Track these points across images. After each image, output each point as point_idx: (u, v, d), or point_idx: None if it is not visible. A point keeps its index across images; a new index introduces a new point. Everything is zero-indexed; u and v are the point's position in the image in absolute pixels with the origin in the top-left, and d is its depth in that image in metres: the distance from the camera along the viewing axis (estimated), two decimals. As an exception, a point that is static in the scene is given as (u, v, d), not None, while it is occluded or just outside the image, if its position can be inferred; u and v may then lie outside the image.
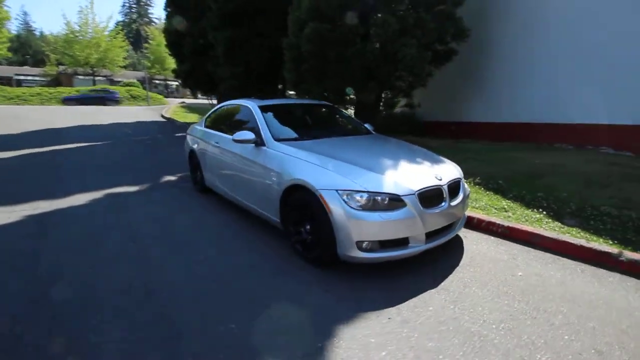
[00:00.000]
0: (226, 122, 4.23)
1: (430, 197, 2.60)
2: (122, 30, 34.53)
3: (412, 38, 6.14)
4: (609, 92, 5.65)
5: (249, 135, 3.34)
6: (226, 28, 9.56)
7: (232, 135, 3.78)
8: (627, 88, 5.43)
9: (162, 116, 17.06)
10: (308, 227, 2.76)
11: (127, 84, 33.32)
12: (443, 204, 2.68)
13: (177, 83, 47.30)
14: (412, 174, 2.71)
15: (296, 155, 2.94)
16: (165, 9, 12.83)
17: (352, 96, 6.78)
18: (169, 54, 14.85)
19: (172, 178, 5.84)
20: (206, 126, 4.77)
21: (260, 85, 10.06)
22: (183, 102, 30.21)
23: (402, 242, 2.50)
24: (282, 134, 3.40)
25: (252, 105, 3.81)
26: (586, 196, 3.87)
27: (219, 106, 4.76)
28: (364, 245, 2.43)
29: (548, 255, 2.90)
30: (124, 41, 33.27)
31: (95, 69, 32.70)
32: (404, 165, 2.84)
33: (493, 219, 3.42)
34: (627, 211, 3.44)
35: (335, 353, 1.81)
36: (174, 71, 13.66)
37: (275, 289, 2.44)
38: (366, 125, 4.26)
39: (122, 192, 4.98)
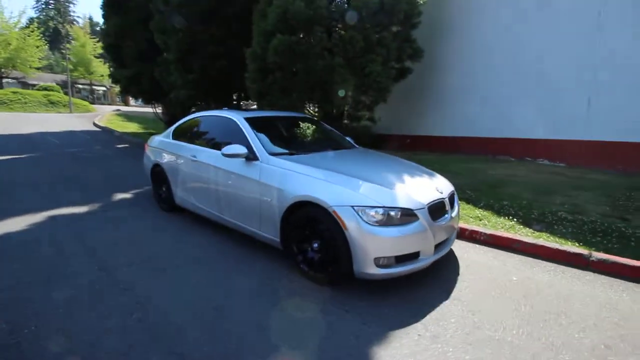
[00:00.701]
0: (203, 135, 3.92)
1: (436, 210, 2.69)
2: (38, 28, 30.48)
3: (377, 55, 6.44)
4: (544, 110, 6.53)
5: (240, 149, 3.12)
6: (177, 32, 9.00)
7: (213, 148, 3.58)
8: (559, 106, 6.33)
9: (96, 125, 15.32)
10: (316, 245, 2.66)
11: (45, 88, 29.34)
12: (446, 215, 2.79)
13: (104, 88, 43.15)
14: (417, 187, 2.78)
15: (298, 170, 2.83)
16: (102, 8, 11.65)
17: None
18: (103, 57, 13.47)
19: (128, 195, 5.22)
20: (174, 138, 4.38)
21: (216, 95, 9.61)
22: (118, 110, 27.55)
23: (414, 256, 2.53)
24: (275, 148, 3.25)
25: (236, 117, 3.59)
26: (543, 203, 4.37)
27: (189, 117, 4.40)
28: (381, 261, 2.40)
29: (530, 259, 3.18)
30: (39, 40, 29.38)
31: (2, 70, 28.26)
32: (406, 179, 2.90)
33: (475, 228, 3.67)
34: (579, 215, 3.95)
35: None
36: (111, 76, 12.38)
37: (289, 315, 2.28)
38: (347, 138, 4.31)
39: (71, 213, 4.30)
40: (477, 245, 3.50)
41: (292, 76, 6.82)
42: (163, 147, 4.44)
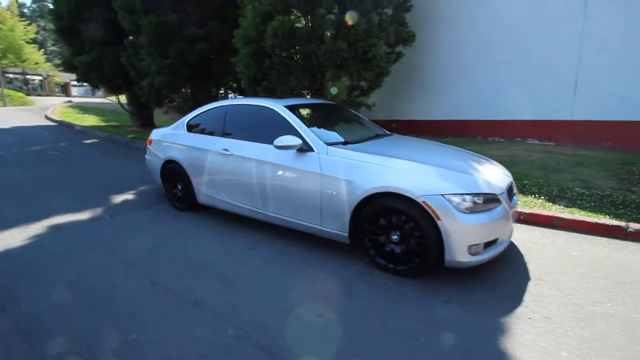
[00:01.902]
0: (234, 127, 3.57)
1: (509, 193, 2.71)
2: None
3: (378, 39, 6.32)
4: (532, 92, 6.90)
5: (294, 140, 2.89)
6: (149, 12, 8.12)
7: (252, 141, 3.31)
8: (547, 88, 6.72)
9: (49, 118, 13.60)
10: (395, 237, 2.56)
11: (-34, 78, 25.40)
12: (515, 198, 2.83)
13: (40, 77, 38.38)
14: (489, 172, 2.77)
15: (368, 160, 2.68)
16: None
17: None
18: (37, 43, 11.81)
19: (128, 197, 4.70)
20: (190, 130, 3.97)
21: (197, 82, 8.89)
22: (70, 101, 24.69)
23: (494, 241, 2.55)
24: (329, 138, 3.06)
25: (275, 105, 3.32)
26: (556, 180, 4.64)
27: (206, 107, 3.99)
28: (473, 249, 2.37)
29: (572, 234, 3.35)
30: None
31: None
32: (473, 164, 2.87)
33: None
34: (594, 190, 4.25)
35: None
36: (65, 63, 10.93)
37: (394, 311, 2.18)
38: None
39: (74, 221, 3.78)
40: (519, 225, 3.63)
41: (291, 60, 6.50)
42: (178, 142, 4.01)
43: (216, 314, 2.16)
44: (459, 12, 7.79)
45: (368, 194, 2.55)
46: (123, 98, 12.46)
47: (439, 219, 2.32)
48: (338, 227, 2.80)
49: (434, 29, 8.25)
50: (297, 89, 6.62)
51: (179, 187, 4.13)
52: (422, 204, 2.35)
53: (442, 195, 2.35)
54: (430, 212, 2.33)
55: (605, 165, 5.11)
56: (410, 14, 7.58)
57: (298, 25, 5.91)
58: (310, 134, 2.99)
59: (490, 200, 2.44)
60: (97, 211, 4.13)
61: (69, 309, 2.24)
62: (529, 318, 2.09)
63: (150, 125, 12.54)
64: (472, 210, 2.35)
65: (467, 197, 2.36)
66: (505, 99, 7.30)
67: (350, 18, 5.98)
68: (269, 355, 1.80)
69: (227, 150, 3.45)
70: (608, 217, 3.49)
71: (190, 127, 4.03)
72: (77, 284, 2.54)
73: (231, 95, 13.91)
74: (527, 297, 2.31)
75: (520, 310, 2.17)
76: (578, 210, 3.72)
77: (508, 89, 7.20)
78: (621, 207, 3.73)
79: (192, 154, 3.82)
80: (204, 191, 3.79)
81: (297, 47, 6.23)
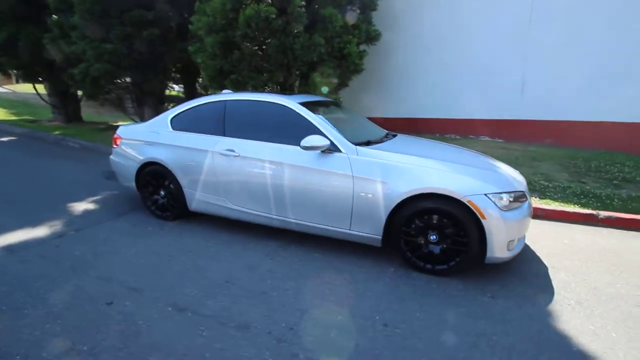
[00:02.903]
0: (238, 125, 3.20)
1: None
2: None
3: (353, 37, 6.30)
4: (485, 94, 7.58)
5: (322, 141, 2.71)
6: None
7: (262, 140, 3.02)
8: (498, 90, 7.43)
9: None
10: (433, 238, 2.56)
11: None
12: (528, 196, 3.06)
13: None
14: (507, 170, 2.93)
15: (402, 161, 2.63)
16: None
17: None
18: None
19: (90, 206, 3.98)
20: (176, 128, 3.48)
21: (142, 72, 7.86)
22: None
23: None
24: (353, 137, 2.93)
25: (288, 102, 3.06)
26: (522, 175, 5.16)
27: (195, 102, 3.52)
28: (510, 245, 2.49)
29: (554, 223, 3.76)
30: None
31: None
32: (493, 163, 3.00)
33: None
34: (555, 182, 4.83)
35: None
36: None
37: (454, 313, 2.16)
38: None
39: (27, 240, 3.08)
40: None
41: (263, 53, 6.12)
42: (161, 141, 3.48)
43: (275, 336, 1.92)
44: (420, 16, 8.15)
45: (408, 195, 2.51)
46: (41, 88, 10.51)
47: (484, 218, 2.38)
48: (371, 231, 2.71)
49: (395, 30, 8.53)
50: (270, 84, 6.29)
51: (162, 193, 3.61)
52: (468, 203, 2.39)
53: (485, 194, 2.41)
54: (476, 212, 2.38)
55: (556, 160, 5.86)
56: (374, 14, 7.73)
57: (273, 15, 5.58)
58: (336, 134, 2.83)
59: (520, 197, 2.59)
60: (56, 226, 3.40)
61: None
62: (568, 304, 2.28)
63: (77, 120, 10.82)
64: (508, 208, 2.46)
65: (504, 196, 2.47)
66: (461, 100, 7.90)
67: (327, 13, 5.85)
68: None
69: (232, 151, 3.10)
70: (578, 206, 4.00)
71: (176, 124, 3.53)
72: (73, 322, 2.02)
73: (175, 87, 12.71)
74: (555, 285, 2.51)
75: (557, 299, 2.34)
76: (550, 201, 4.20)
77: (464, 90, 7.80)
78: (582, 197, 4.30)
79: (183, 155, 3.35)
80: (198, 197, 3.36)
81: (270, 40, 5.89)
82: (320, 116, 2.96)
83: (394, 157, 2.68)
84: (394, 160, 2.65)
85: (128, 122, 4.38)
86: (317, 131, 2.85)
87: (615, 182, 4.75)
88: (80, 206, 3.97)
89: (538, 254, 3.01)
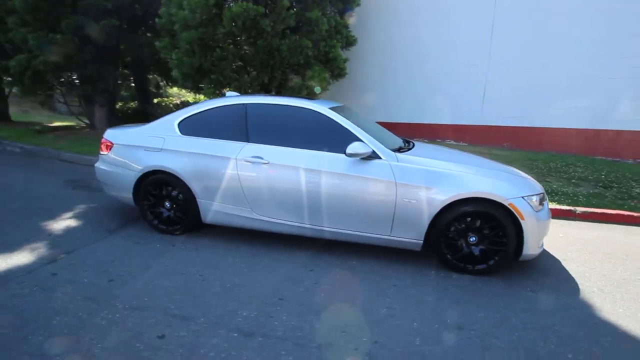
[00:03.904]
0: (262, 130, 3.00)
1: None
2: None
3: (337, 41, 6.34)
4: (450, 101, 8.17)
5: (364, 148, 2.70)
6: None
7: (294, 147, 2.89)
8: (461, 99, 8.06)
9: None
10: (473, 239, 2.69)
11: None
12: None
13: None
14: (524, 174, 3.19)
15: (443, 167, 2.72)
16: None
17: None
18: None
19: (73, 223, 3.47)
20: (186, 132, 3.17)
21: (98, 67, 6.95)
22: None
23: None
24: (390, 143, 2.95)
25: (318, 107, 2.98)
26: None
27: (207, 105, 3.21)
28: (540, 242, 2.73)
29: (542, 219, 4.22)
30: None
31: None
32: (511, 169, 3.21)
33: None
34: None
35: None
36: None
37: (511, 311, 2.28)
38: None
39: (12, 268, 2.56)
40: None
41: (246, 53, 5.85)
42: (169, 147, 3.13)
43: (364, 352, 1.84)
44: (387, 23, 8.50)
45: (453, 200, 2.60)
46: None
47: (522, 218, 2.57)
48: (412, 236, 2.75)
49: (365, 37, 8.79)
50: (254, 85, 6.03)
51: (168, 205, 3.26)
52: (509, 206, 2.56)
53: (522, 197, 2.61)
54: (516, 213, 2.56)
55: (520, 162, 6.53)
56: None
57: (263, 15, 5.37)
58: (374, 140, 2.83)
59: (542, 198, 2.84)
60: (38, 249, 2.86)
61: None
62: (593, 292, 2.56)
63: (5, 120, 9.24)
64: (537, 209, 2.70)
65: (534, 197, 2.69)
66: (429, 106, 8.42)
67: (314, 17, 5.80)
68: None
69: (260, 158, 2.91)
70: (556, 203, 4.52)
71: (186, 128, 3.20)
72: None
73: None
74: (574, 276, 2.81)
75: (581, 288, 2.62)
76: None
77: (432, 97, 8.33)
78: (554, 194, 4.86)
79: (199, 162, 3.06)
80: (215, 208, 3.09)
81: (257, 40, 5.66)
82: (352, 122, 2.93)
83: (433, 163, 2.76)
84: (434, 167, 2.73)
85: (125, 125, 3.78)
86: (354, 138, 2.82)
87: (573, 181, 5.47)
88: (57, 224, 3.40)
89: (545, 248, 3.34)
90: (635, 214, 4.09)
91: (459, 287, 2.58)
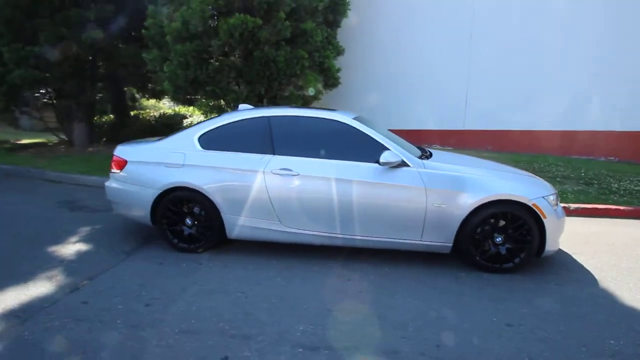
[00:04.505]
0: (290, 142, 3.01)
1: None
2: None
3: (331, 52, 6.46)
4: (436, 109, 8.52)
5: (396, 156, 2.79)
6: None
7: (324, 158, 2.93)
8: (446, 106, 8.43)
9: None
10: (499, 240, 2.84)
11: None
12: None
13: None
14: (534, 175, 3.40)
15: (467, 172, 2.85)
16: None
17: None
18: None
19: (82, 247, 3.30)
20: (211, 148, 3.10)
21: (80, 81, 6.58)
22: None
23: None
24: (412, 151, 3.05)
25: (343, 118, 3.04)
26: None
27: (229, 119, 3.16)
28: (559, 238, 2.92)
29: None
30: None
31: None
32: (523, 172, 3.42)
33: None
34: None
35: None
36: None
37: (547, 305, 2.42)
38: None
39: (33, 299, 2.42)
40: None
41: (243, 64, 5.80)
42: (191, 162, 3.05)
43: (430, 356, 1.88)
44: (374, 36, 8.75)
45: (482, 202, 2.74)
46: None
47: (545, 217, 2.74)
48: (443, 239, 2.86)
49: (352, 47, 9.00)
50: (250, 97, 5.99)
51: (189, 222, 3.16)
52: (533, 206, 2.73)
53: (543, 197, 2.80)
54: (539, 213, 2.74)
55: (506, 164, 6.90)
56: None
57: (260, 27, 5.37)
58: (401, 149, 2.92)
59: (556, 197, 3.06)
60: (56, 277, 2.68)
61: None
62: (610, 281, 2.77)
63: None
64: (555, 208, 2.90)
65: (551, 197, 2.89)
66: (417, 113, 8.73)
67: (309, 28, 5.88)
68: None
69: (289, 170, 2.91)
70: (548, 200, 4.84)
71: (206, 144, 3.14)
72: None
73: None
74: (589, 268, 3.03)
75: (599, 279, 2.83)
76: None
77: (419, 105, 8.65)
78: (544, 192, 5.21)
79: (224, 177, 3.00)
80: (242, 222, 3.04)
81: (254, 51, 5.64)
82: (378, 132, 3.02)
83: (457, 169, 2.89)
84: (459, 172, 2.86)
85: (133, 142, 3.64)
86: (381, 147, 2.90)
87: (557, 179, 5.88)
88: (66, 249, 3.20)
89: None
90: (621, 208, 4.49)
91: (492, 286, 2.70)
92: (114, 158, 3.32)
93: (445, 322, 2.22)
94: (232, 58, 5.66)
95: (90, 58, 6.52)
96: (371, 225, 2.90)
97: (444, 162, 3.00)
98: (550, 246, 2.82)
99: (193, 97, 6.72)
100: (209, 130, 3.19)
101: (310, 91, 6.16)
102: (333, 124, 3.06)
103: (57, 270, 2.81)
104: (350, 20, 8.54)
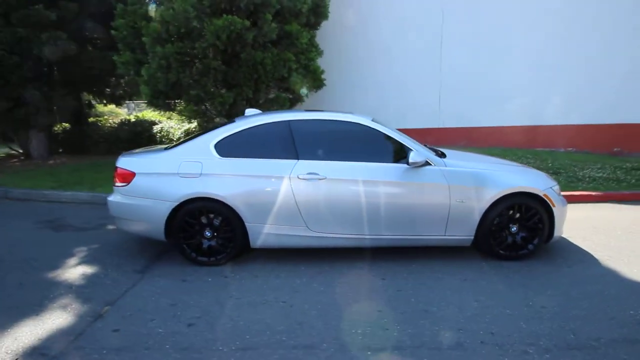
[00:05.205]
0: (313, 146, 2.97)
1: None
2: None
3: (316, 54, 6.45)
4: (414, 109, 8.87)
5: (420, 156, 2.89)
6: None
7: (345, 161, 2.98)
8: (423, 105, 8.81)
9: None
10: (514, 229, 3.05)
11: None
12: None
13: None
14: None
15: (484, 168, 3.06)
16: None
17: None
18: None
19: (87, 270, 3.03)
20: (230, 155, 2.97)
21: (45, 87, 5.91)
22: None
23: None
24: (429, 150, 3.16)
25: (365, 121, 3.09)
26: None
27: (246, 124, 3.03)
28: (563, 225, 3.20)
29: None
30: None
31: None
32: (519, 165, 3.71)
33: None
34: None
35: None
36: None
37: (568, 285, 2.64)
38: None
39: (61, 330, 2.19)
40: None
41: (229, 67, 5.60)
42: (208, 171, 2.90)
43: (496, 344, 1.98)
44: (349, 40, 8.87)
45: (501, 196, 2.92)
46: None
47: (554, 206, 3.00)
48: (465, 233, 3.01)
49: (330, 51, 9.06)
50: (238, 100, 5.79)
51: (208, 234, 3.00)
52: (544, 196, 2.97)
53: (551, 187, 3.05)
54: (549, 202, 2.99)
55: (481, 157, 7.40)
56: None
57: (247, 29, 5.22)
58: (423, 149, 3.03)
59: (559, 187, 3.35)
60: (72, 306, 2.42)
61: None
62: (609, 259, 3.09)
63: None
64: (560, 197, 3.17)
65: (556, 187, 3.17)
66: (395, 113, 9.01)
67: (294, 30, 5.83)
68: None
69: (315, 174, 2.88)
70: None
71: (224, 151, 3.00)
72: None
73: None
74: (587, 249, 3.35)
75: (599, 258, 3.14)
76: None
77: (397, 105, 8.94)
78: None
79: (247, 184, 2.90)
80: (267, 230, 2.96)
81: (241, 54, 5.47)
82: (400, 133, 3.10)
83: (473, 165, 3.07)
84: (476, 168, 3.03)
85: (133, 152, 3.37)
86: (405, 148, 2.99)
87: (530, 170, 6.42)
88: (69, 273, 2.90)
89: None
90: (593, 193, 5.02)
91: (515, 272, 2.89)
92: (118, 170, 3.05)
93: (490, 310, 2.34)
94: (216, 61, 5.43)
95: (52, 62, 5.89)
96: (399, 224, 2.97)
97: (461, 160, 3.17)
98: (557, 232, 3.09)
99: (172, 102, 6.38)
100: (226, 137, 3.05)
101: (302, 92, 6.12)
102: (354, 127, 3.08)
103: (68, 297, 2.54)
104: (327, 22, 8.64)
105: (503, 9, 7.99)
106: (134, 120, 10.93)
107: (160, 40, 5.30)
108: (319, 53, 7.45)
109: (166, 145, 3.54)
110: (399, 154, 3.01)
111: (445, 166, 2.99)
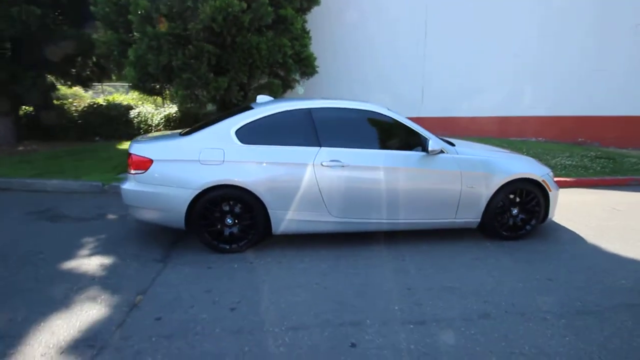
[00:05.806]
0: (335, 134, 3.02)
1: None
2: None
3: (307, 40, 6.39)
4: (397, 99, 9.07)
5: (437, 145, 3.07)
6: None
7: (365, 148, 3.10)
8: (406, 95, 9.04)
9: None
10: (515, 212, 3.34)
11: None
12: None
13: None
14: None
15: (490, 156, 3.32)
16: None
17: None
18: None
19: (105, 261, 2.92)
20: (251, 142, 2.96)
21: (12, 68, 5.35)
22: None
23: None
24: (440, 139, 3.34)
25: (384, 110, 3.23)
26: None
27: (266, 112, 3.02)
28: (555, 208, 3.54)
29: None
30: None
31: None
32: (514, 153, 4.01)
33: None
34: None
35: None
36: None
37: (569, 264, 2.96)
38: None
39: (94, 325, 2.18)
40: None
41: (223, 51, 5.41)
42: (233, 158, 2.89)
43: (519, 313, 2.22)
44: (336, 28, 8.84)
45: (506, 181, 3.18)
46: None
47: (550, 190, 3.32)
48: (473, 216, 3.25)
49: (318, 40, 8.98)
50: (232, 86, 5.64)
51: (229, 221, 3.00)
52: (542, 182, 3.27)
53: (547, 174, 3.36)
54: (546, 187, 3.30)
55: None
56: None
57: (243, 11, 5.06)
58: (436, 138, 3.20)
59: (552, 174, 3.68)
60: (101, 297, 2.36)
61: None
62: (602, 237, 3.47)
63: None
64: (554, 182, 3.50)
65: (551, 173, 3.49)
66: (375, 101, 9.20)
67: (289, 14, 5.74)
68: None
69: (337, 161, 2.96)
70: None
71: (245, 138, 2.98)
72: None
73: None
74: (573, 229, 3.72)
75: (584, 237, 3.52)
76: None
77: (380, 96, 9.10)
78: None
79: (271, 171, 2.92)
80: (290, 217, 3.01)
81: (236, 37, 5.30)
82: (415, 123, 3.25)
83: (481, 153, 3.31)
84: (484, 156, 3.27)
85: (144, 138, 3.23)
86: (421, 136, 3.14)
87: (508, 158, 6.90)
88: (87, 265, 2.79)
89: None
90: (567, 179, 5.54)
91: (517, 249, 3.19)
92: (133, 157, 2.93)
93: (505, 284, 2.59)
94: (210, 44, 5.24)
95: (24, 40, 5.36)
96: (416, 208, 3.14)
97: (469, 148, 3.39)
98: (551, 214, 3.44)
99: (157, 85, 6.08)
100: (247, 124, 3.02)
101: (300, 91, 6.09)
102: (373, 115, 3.19)
103: (94, 289, 2.46)
104: (313, 15, 8.54)
105: (484, 6, 8.35)
106: (106, 104, 10.24)
107: (149, 19, 5.01)
108: (310, 39, 7.41)
109: (180, 131, 3.44)
110: (415, 142, 3.16)
111: (457, 154, 3.20)
